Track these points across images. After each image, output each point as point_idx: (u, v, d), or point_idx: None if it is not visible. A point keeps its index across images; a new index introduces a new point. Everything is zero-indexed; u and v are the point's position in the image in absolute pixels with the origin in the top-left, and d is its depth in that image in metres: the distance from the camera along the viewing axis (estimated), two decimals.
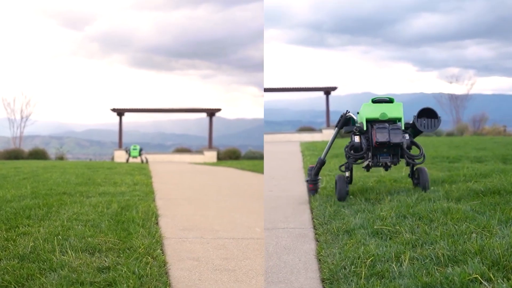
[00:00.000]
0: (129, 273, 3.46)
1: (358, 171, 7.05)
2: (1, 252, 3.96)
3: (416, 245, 3.62)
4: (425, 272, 3.15)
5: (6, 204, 6.29)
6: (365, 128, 5.18)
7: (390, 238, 3.84)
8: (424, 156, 5.19)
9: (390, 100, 5.27)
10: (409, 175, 5.68)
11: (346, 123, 5.45)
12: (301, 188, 6.38)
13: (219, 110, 25.50)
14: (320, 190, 5.40)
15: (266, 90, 25.29)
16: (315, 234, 4.20)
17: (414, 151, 5.34)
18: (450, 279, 2.92)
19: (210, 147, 25.02)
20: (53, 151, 28.75)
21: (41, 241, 4.24)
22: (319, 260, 3.70)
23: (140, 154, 21.32)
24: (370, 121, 5.20)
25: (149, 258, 3.88)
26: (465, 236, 3.73)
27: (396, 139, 4.99)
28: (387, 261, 3.40)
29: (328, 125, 24.35)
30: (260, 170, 14.04)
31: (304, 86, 25.47)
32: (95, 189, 8.15)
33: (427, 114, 5.24)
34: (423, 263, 3.32)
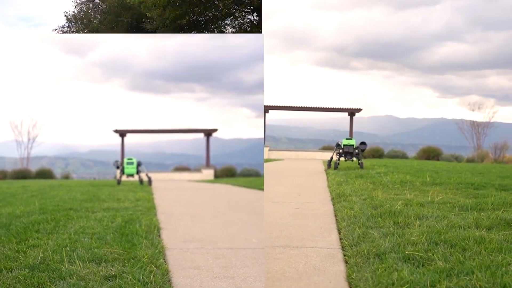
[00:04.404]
0: (134, 281, 3.69)
1: (384, 193, 7.47)
2: (12, 262, 4.18)
3: (451, 274, 3.50)
4: None
5: (16, 219, 6.52)
6: (342, 147, 14.26)
7: (422, 265, 3.75)
8: (362, 157, 14.31)
9: (352, 139, 14.38)
10: (358, 163, 14.21)
11: (338, 145, 14.43)
12: (327, 207, 6.34)
13: (215, 130, 25.82)
14: (347, 211, 5.93)
15: (292, 108, 25.64)
16: (344, 255, 4.15)
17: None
18: None
19: (208, 165, 25.27)
20: (59, 171, 29.09)
21: (50, 253, 4.47)
22: (350, 283, 3.58)
23: (138, 172, 15.22)
24: (345, 145, 14.18)
25: (153, 266, 4.10)
26: (503, 268, 3.60)
27: (351, 150, 14.16)
28: None
29: None
30: (255, 186, 14.24)
31: (329, 106, 25.71)
32: (99, 205, 8.38)
33: (364, 143, 14.27)
34: None
